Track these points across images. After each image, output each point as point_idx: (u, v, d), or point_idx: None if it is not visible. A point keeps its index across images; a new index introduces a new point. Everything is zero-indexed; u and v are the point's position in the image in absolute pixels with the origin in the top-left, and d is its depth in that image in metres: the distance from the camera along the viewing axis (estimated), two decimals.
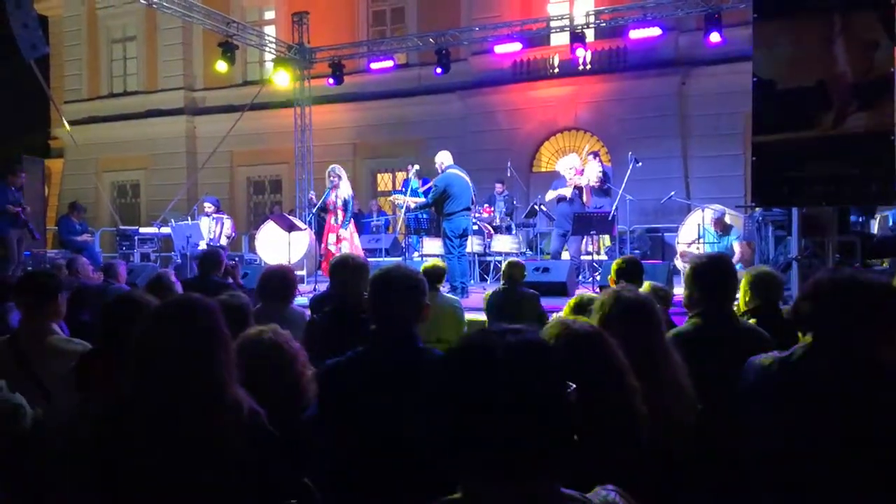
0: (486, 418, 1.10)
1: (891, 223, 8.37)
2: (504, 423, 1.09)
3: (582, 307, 2.82)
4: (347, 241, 9.79)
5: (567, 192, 9.71)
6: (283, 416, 2.10)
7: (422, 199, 10.11)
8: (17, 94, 17.15)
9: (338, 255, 5.41)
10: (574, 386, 1.15)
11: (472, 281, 10.00)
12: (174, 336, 1.88)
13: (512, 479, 1.11)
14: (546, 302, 6.07)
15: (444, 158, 9.16)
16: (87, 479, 1.88)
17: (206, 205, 11.58)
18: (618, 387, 1.84)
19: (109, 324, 2.56)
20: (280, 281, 4.25)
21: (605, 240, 10.49)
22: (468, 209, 8.93)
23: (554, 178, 10.89)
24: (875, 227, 9.28)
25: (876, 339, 1.91)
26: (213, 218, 11.38)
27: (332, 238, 9.75)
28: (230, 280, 5.92)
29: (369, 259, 10.91)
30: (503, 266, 6.16)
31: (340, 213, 9.74)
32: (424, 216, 11.19)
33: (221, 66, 12.67)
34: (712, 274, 2.89)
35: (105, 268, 6.92)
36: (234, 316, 2.80)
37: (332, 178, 9.71)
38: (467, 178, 8.99)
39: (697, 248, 9.41)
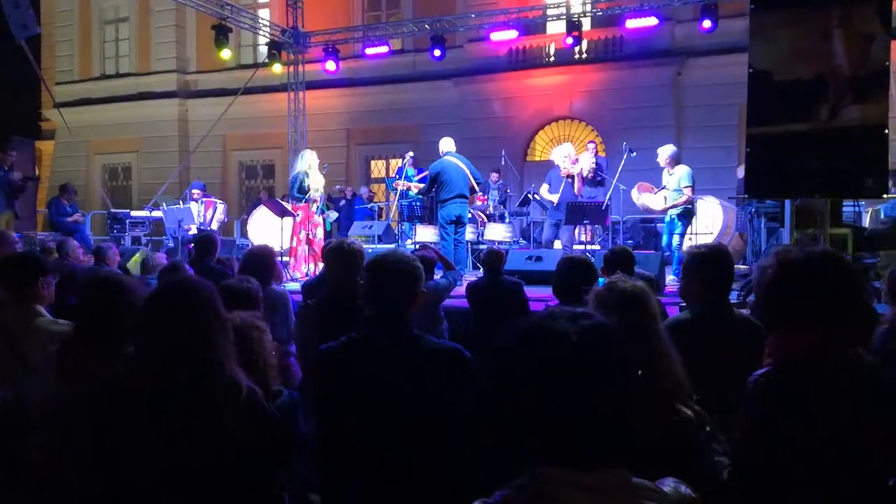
0: (561, 404, 1.08)
1: (882, 216, 8.40)
2: (580, 408, 1.08)
3: None
4: (321, 228, 9.56)
5: (554, 198, 9.70)
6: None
7: (422, 185, 10.13)
8: (7, 74, 16.96)
9: (331, 240, 5.36)
10: (640, 371, 1.15)
11: (465, 269, 10.00)
12: (174, 317, 1.90)
13: (586, 466, 1.10)
14: (539, 291, 6.07)
15: (443, 145, 9.18)
16: (84, 459, 1.88)
17: (195, 191, 11.56)
18: (629, 376, 1.83)
19: (89, 306, 2.55)
20: (260, 261, 4.26)
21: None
22: (462, 196, 8.90)
23: (548, 167, 10.88)
24: (866, 220, 9.32)
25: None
26: (202, 202, 11.33)
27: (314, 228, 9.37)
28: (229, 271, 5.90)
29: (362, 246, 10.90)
30: (483, 255, 6.13)
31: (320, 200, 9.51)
32: (418, 203, 11.17)
33: (226, 53, 12.57)
34: (708, 264, 2.89)
35: (96, 251, 6.89)
36: (242, 300, 2.80)
37: (313, 164, 9.33)
38: (464, 166, 8.96)
39: (655, 193, 9.25)
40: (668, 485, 1.22)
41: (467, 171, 8.98)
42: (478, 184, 9.28)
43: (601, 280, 3.54)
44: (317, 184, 9.17)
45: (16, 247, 5.86)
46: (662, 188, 9.12)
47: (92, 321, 2.52)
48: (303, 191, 9.08)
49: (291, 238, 9.34)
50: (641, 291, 2.37)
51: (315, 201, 9.21)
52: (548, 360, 1.11)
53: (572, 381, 1.09)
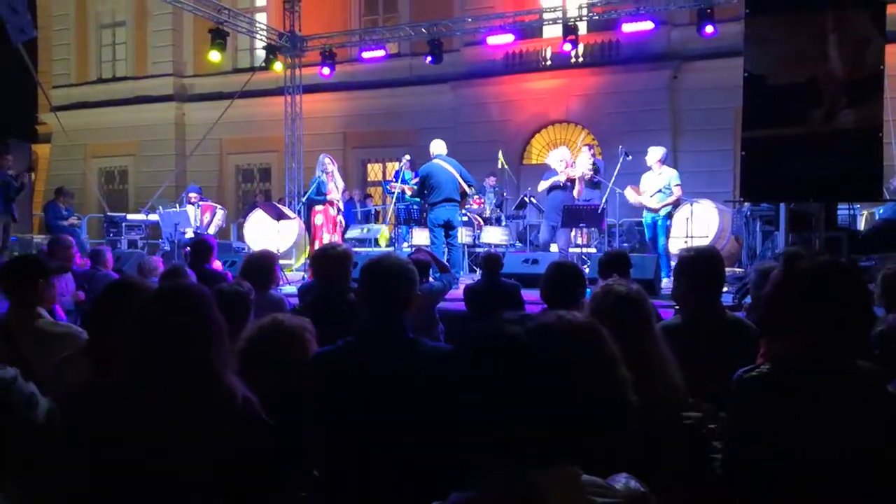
0: (512, 404, 1.12)
1: (877, 219, 8.43)
2: (530, 408, 1.12)
3: None
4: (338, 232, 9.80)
5: (561, 177, 9.68)
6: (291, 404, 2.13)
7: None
8: (4, 78, 16.95)
9: (321, 245, 5.41)
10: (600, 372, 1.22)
11: (460, 272, 10.01)
12: (168, 323, 1.88)
13: (536, 463, 1.13)
14: (536, 293, 6.06)
15: (433, 147, 9.15)
16: (78, 465, 1.87)
17: (191, 195, 11.55)
18: (610, 377, 1.84)
19: (103, 310, 2.55)
20: (260, 266, 4.27)
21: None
22: (451, 200, 8.81)
23: (544, 171, 10.89)
24: (861, 223, 9.36)
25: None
26: (198, 205, 11.31)
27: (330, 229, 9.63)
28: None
29: (359, 249, 10.96)
30: (481, 258, 6.16)
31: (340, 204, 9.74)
32: (415, 207, 11.19)
33: (215, 55, 12.56)
34: (698, 267, 2.92)
35: (92, 254, 6.90)
36: (235, 304, 2.81)
37: (328, 168, 9.61)
38: (452, 169, 8.88)
39: (651, 196, 9.27)
40: (620, 481, 1.24)
41: (456, 175, 8.89)
42: (470, 186, 9.22)
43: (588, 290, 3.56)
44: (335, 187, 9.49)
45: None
46: (658, 192, 9.15)
47: (102, 325, 2.52)
48: (321, 193, 9.28)
49: (314, 242, 9.48)
50: (637, 294, 2.38)
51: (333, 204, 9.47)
52: (497, 362, 1.15)
53: (522, 382, 1.12)
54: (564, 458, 1.15)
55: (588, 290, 3.50)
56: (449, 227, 8.86)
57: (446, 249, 8.86)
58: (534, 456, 1.13)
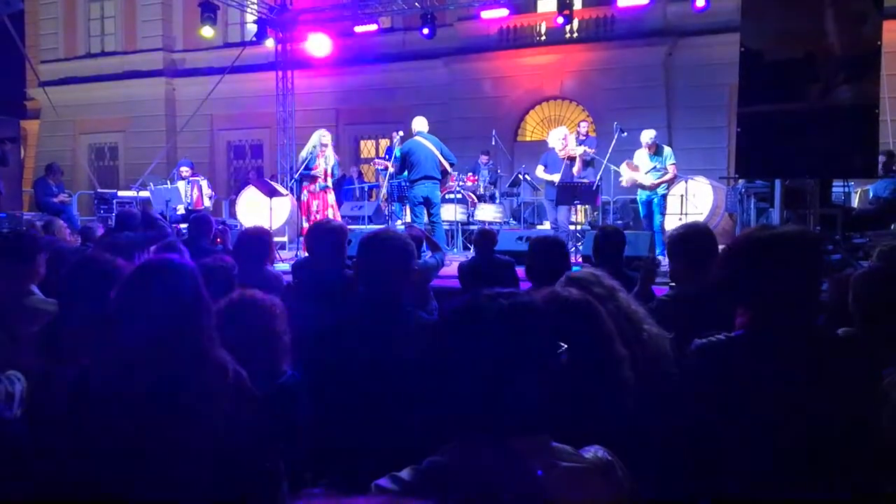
0: (479, 377, 1.16)
1: (871, 197, 8.43)
2: (496, 380, 1.16)
3: None
4: (332, 209, 9.69)
5: (555, 178, 9.67)
6: (263, 378, 2.10)
7: None
8: None
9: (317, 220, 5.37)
10: (565, 346, 1.22)
11: (454, 249, 9.99)
12: (155, 298, 1.85)
13: (504, 433, 1.17)
14: None
15: (415, 125, 9.06)
16: (64, 440, 1.86)
17: (184, 169, 11.40)
18: (606, 354, 1.83)
19: (70, 286, 2.54)
20: (255, 242, 4.24)
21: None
22: (430, 178, 8.74)
23: (538, 148, 10.83)
24: (855, 200, 9.37)
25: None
26: (189, 181, 11.20)
27: (315, 205, 9.52)
28: (220, 246, 5.87)
29: (352, 226, 10.90)
30: (476, 235, 6.14)
31: (329, 181, 9.60)
32: (407, 183, 11.13)
33: (207, 31, 12.41)
34: (687, 242, 2.93)
35: (83, 231, 6.85)
36: (219, 278, 2.80)
37: (323, 144, 9.51)
38: (432, 147, 8.81)
39: (637, 175, 9.26)
40: (589, 451, 1.30)
41: (437, 153, 8.82)
42: (451, 165, 9.14)
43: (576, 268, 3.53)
44: (325, 163, 9.29)
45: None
46: (652, 169, 9.13)
47: (70, 301, 2.50)
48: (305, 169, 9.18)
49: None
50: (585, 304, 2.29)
51: (317, 179, 9.30)
52: (464, 336, 1.20)
53: (487, 356, 1.17)
54: (535, 428, 1.20)
55: (577, 266, 3.47)
56: (429, 205, 8.80)
57: (430, 227, 8.82)
58: (515, 427, 1.17)
